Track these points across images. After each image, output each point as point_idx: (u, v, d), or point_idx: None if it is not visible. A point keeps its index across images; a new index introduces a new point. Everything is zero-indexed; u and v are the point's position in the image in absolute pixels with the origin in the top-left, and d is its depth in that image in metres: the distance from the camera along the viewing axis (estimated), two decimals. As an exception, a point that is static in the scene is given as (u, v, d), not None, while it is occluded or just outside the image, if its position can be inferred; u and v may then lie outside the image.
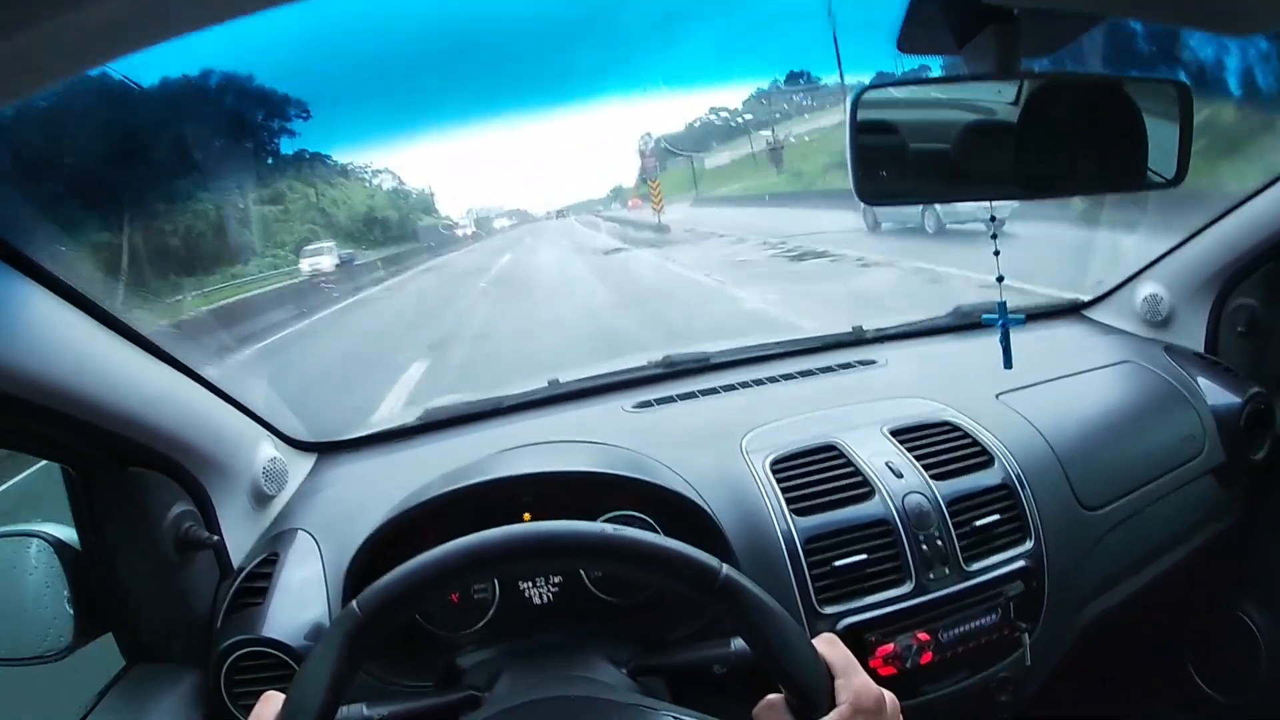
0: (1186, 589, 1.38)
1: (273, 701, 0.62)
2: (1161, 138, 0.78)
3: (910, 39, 0.71)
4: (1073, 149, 0.77)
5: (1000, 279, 0.83)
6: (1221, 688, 1.45)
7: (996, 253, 0.79)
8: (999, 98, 0.74)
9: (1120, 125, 0.76)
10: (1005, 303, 0.85)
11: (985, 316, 0.88)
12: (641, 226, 15.74)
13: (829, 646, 0.64)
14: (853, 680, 0.61)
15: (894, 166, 0.70)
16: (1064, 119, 0.75)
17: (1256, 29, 0.55)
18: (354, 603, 0.61)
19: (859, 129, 0.67)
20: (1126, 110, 0.76)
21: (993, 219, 0.78)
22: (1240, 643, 1.41)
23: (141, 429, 0.87)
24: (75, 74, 0.38)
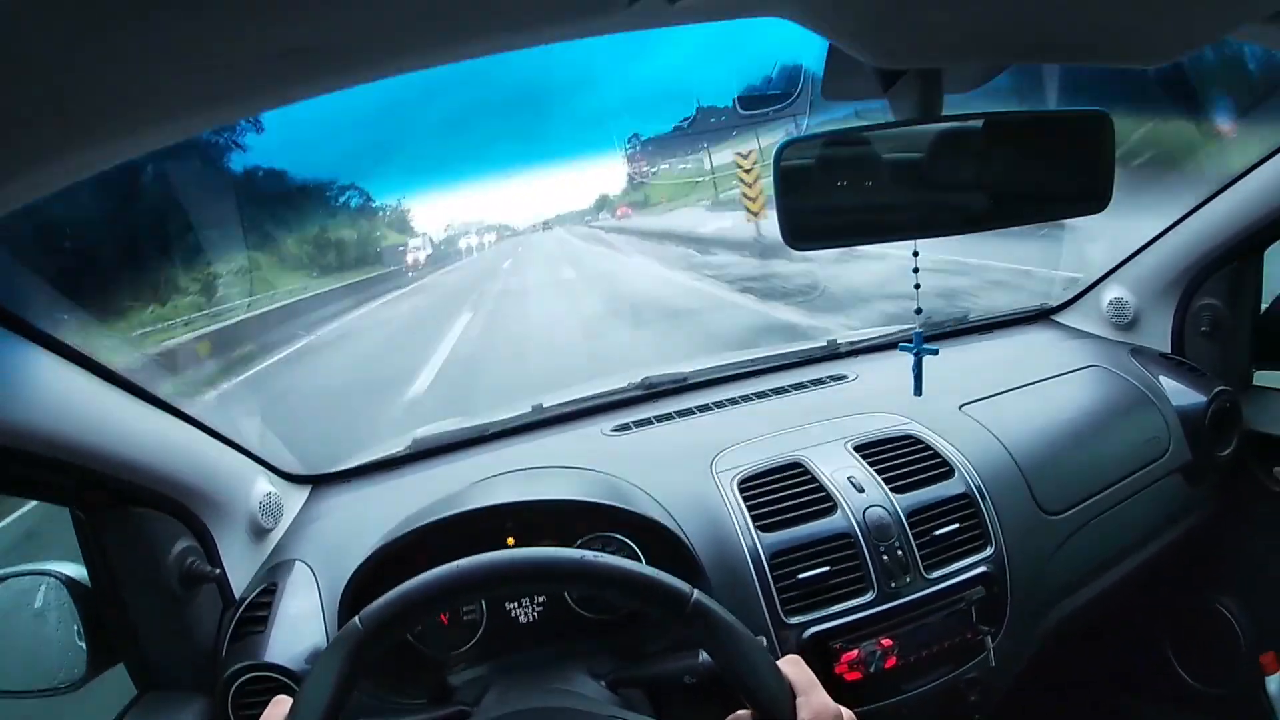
0: (1163, 584, 1.41)
1: (281, 705, 0.68)
2: (1084, 166, 0.81)
3: (833, 88, 0.75)
4: (998, 182, 0.79)
5: (919, 310, 0.88)
6: (1204, 679, 1.47)
7: (917, 286, 0.84)
8: (921, 137, 0.78)
9: (1044, 157, 0.79)
10: (921, 333, 0.90)
11: (901, 346, 0.93)
12: (708, 243, 10.66)
13: (792, 666, 0.69)
14: (812, 698, 0.66)
15: (821, 214, 0.74)
16: (984, 154, 0.78)
17: (1166, 58, 0.58)
18: (356, 618, 0.67)
19: (784, 180, 0.71)
20: (1049, 142, 0.79)
21: (915, 254, 0.82)
22: (1220, 634, 1.44)
23: (142, 474, 0.92)
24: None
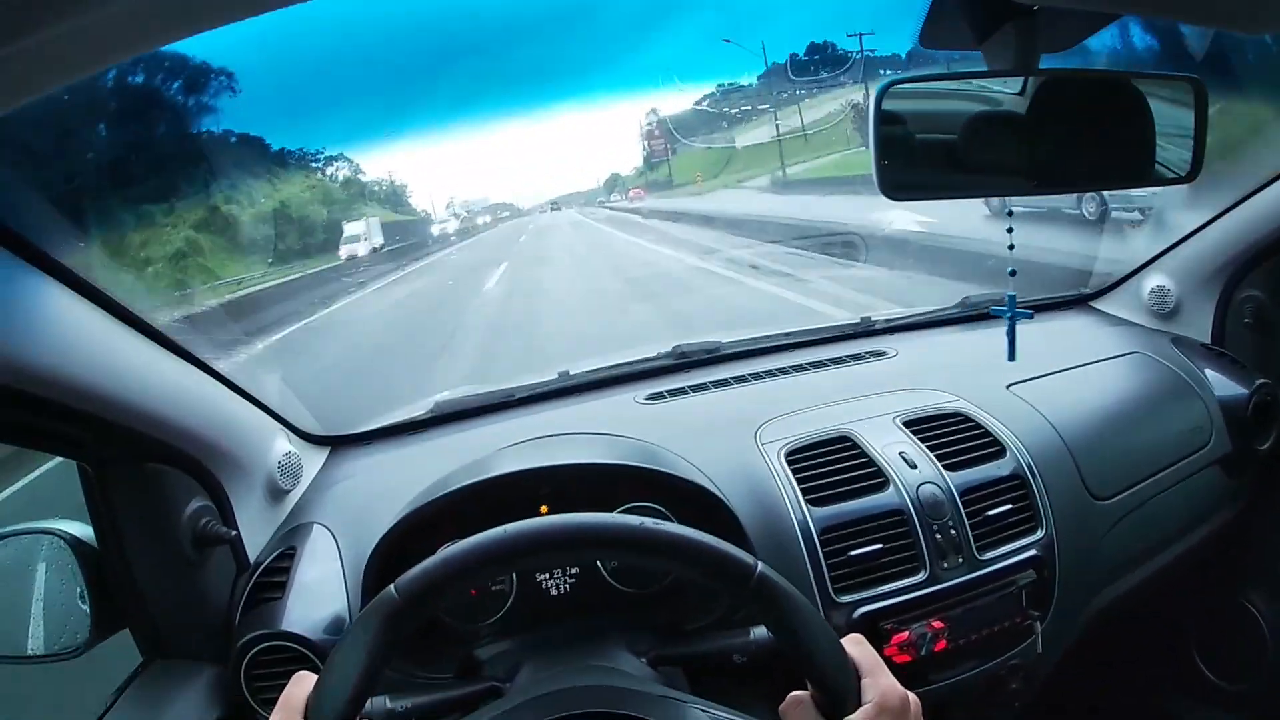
0: (1192, 577, 1.39)
1: (304, 682, 0.62)
2: (1175, 133, 0.79)
3: (932, 35, 0.72)
4: (1085, 143, 0.77)
5: (1013, 272, 0.84)
6: (1227, 675, 1.46)
7: (1011, 246, 0.80)
8: (1009, 91, 0.75)
9: (1132, 120, 0.77)
10: (1015, 296, 0.87)
11: (994, 309, 0.89)
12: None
13: (856, 646, 0.65)
14: (879, 680, 0.62)
15: (920, 164, 0.71)
16: (1076, 113, 0.76)
17: (1271, 28, 0.55)
18: (392, 587, 0.61)
19: (882, 122, 0.68)
20: (1138, 106, 0.77)
21: (1010, 213, 0.79)
22: (1245, 630, 1.42)
23: (159, 426, 0.87)
24: (77, 78, 0.39)
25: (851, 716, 0.60)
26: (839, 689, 0.61)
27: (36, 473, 4.27)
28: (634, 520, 0.64)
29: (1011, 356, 0.87)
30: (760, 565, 0.63)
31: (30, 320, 0.68)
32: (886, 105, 0.68)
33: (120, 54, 0.39)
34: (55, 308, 0.71)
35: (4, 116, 0.39)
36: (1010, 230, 0.78)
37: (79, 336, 0.74)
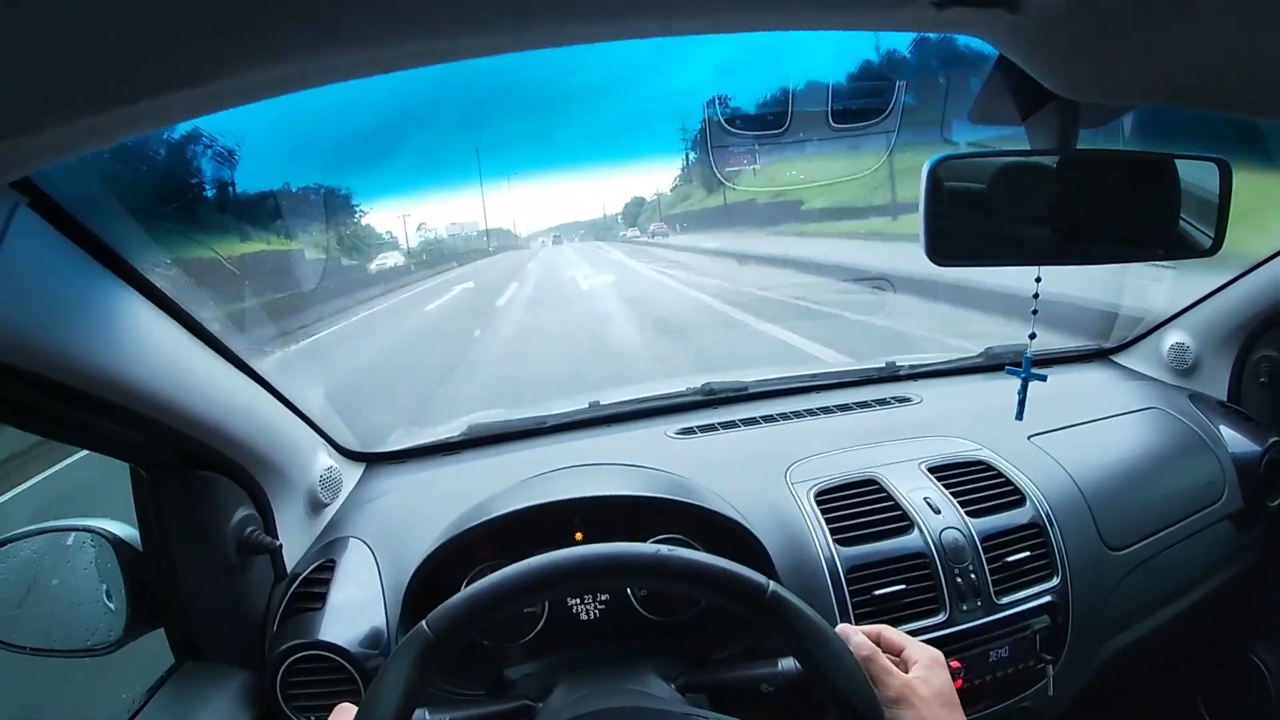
0: (1201, 629, 1.41)
1: (345, 714, 0.65)
2: (1203, 211, 0.83)
3: (982, 113, 0.77)
4: (1111, 212, 0.81)
5: (1032, 335, 0.88)
6: None
7: (1035, 311, 0.84)
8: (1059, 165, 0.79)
9: (1158, 194, 0.81)
10: (1031, 357, 0.91)
11: (1009, 369, 0.93)
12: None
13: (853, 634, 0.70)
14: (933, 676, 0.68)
15: (966, 233, 0.75)
16: (1104, 184, 0.80)
17: None
18: (424, 623, 0.65)
19: (934, 194, 0.72)
20: (1166, 180, 0.81)
21: (1038, 279, 0.83)
22: (1251, 684, 1.44)
23: (217, 434, 0.89)
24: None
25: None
26: (858, 703, 0.64)
27: (50, 470, 4.29)
28: (650, 548, 0.68)
29: (1019, 416, 0.91)
30: (772, 584, 0.66)
31: (102, 324, 0.70)
32: (938, 178, 0.73)
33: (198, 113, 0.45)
34: (128, 313, 0.73)
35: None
36: (1036, 296, 0.82)
37: (148, 343, 0.76)
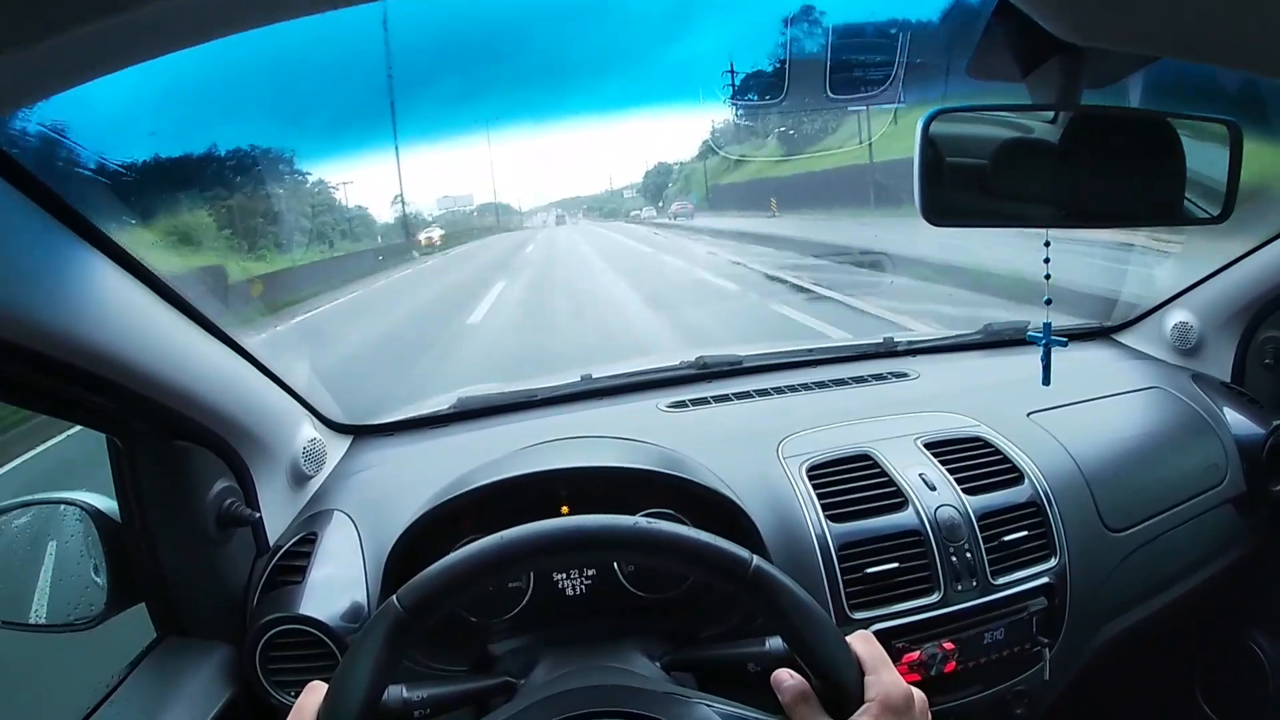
0: (1200, 614, 1.40)
1: (316, 692, 0.63)
2: (1209, 173, 0.80)
3: (980, 65, 0.74)
4: (1115, 178, 0.78)
5: (1048, 301, 0.86)
6: (1228, 714, 1.46)
7: (1048, 276, 0.82)
8: (1042, 120, 0.76)
9: (1164, 158, 0.78)
10: (1050, 324, 0.88)
11: (1030, 334, 0.90)
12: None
13: (863, 643, 0.65)
14: (883, 676, 0.62)
15: (964, 191, 0.73)
16: (1109, 148, 0.77)
17: None
18: (394, 598, 0.62)
19: (930, 150, 0.69)
20: (1171, 144, 0.78)
21: (1047, 244, 0.80)
22: (1249, 671, 1.42)
23: (195, 404, 0.87)
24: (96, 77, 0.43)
25: (855, 714, 0.60)
26: (842, 683, 0.62)
27: (46, 445, 4.29)
28: (629, 520, 0.65)
29: (1046, 381, 0.88)
30: (755, 559, 0.63)
31: (72, 290, 0.68)
32: (933, 131, 0.70)
33: (149, 54, 0.42)
34: (98, 280, 0.71)
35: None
36: (1047, 260, 0.79)
37: (120, 310, 0.74)
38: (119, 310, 0.74)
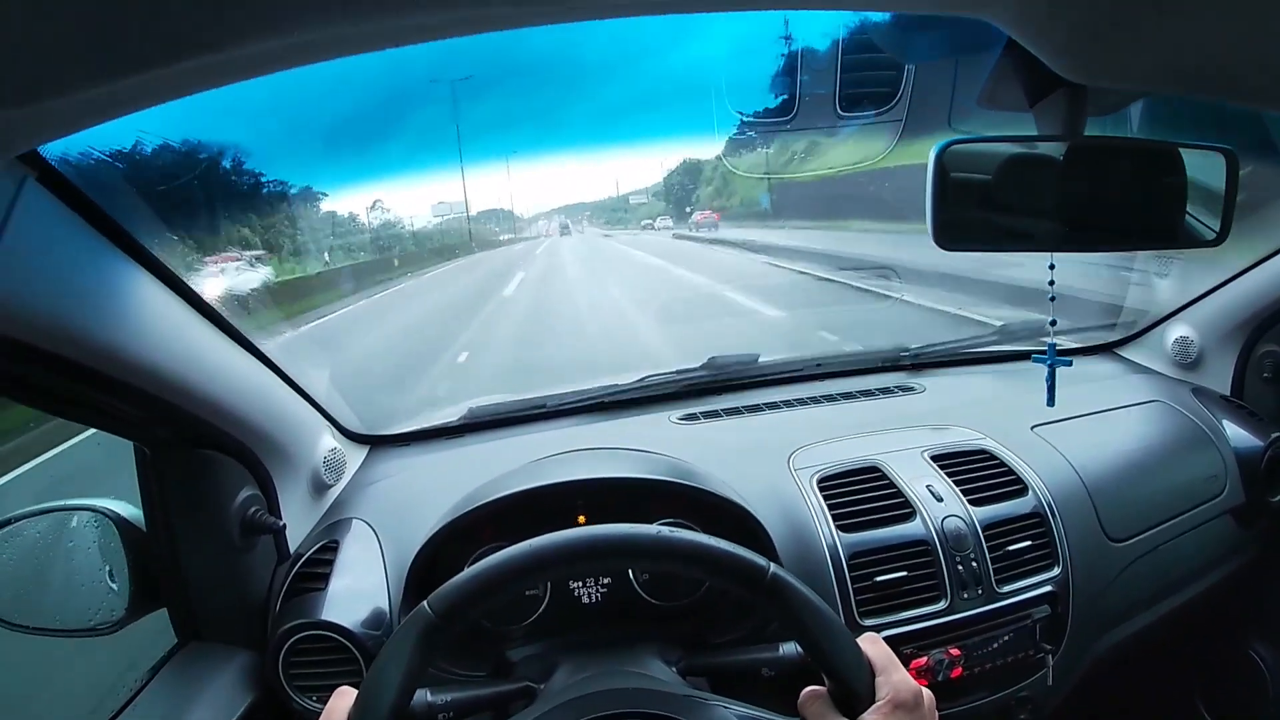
0: (1201, 623, 1.42)
1: (345, 696, 0.64)
2: (1204, 197, 0.82)
3: (990, 95, 0.76)
4: (1117, 200, 0.81)
5: (1053, 323, 0.88)
6: None
7: (1053, 298, 0.84)
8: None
9: (1164, 183, 0.81)
10: (1055, 344, 0.91)
11: (1035, 356, 0.93)
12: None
13: (871, 645, 0.68)
14: (893, 676, 0.64)
15: (974, 218, 0.75)
16: (1111, 171, 0.80)
17: None
18: (425, 603, 0.64)
19: (941, 179, 0.72)
20: (1172, 169, 0.81)
21: (1051, 266, 0.83)
22: (1249, 680, 1.44)
23: (223, 414, 0.89)
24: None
25: (866, 712, 0.62)
26: (855, 684, 0.64)
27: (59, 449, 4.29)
28: (652, 529, 0.68)
29: (1050, 402, 0.91)
30: (772, 566, 0.65)
31: (108, 300, 0.70)
32: (945, 163, 0.72)
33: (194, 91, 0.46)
34: (138, 292, 0.73)
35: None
36: (1052, 283, 0.82)
37: (157, 321, 0.76)
38: (156, 321, 0.76)
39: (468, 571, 0.65)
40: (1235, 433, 1.36)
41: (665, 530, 0.68)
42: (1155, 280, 1.58)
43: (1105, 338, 1.65)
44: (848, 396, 1.40)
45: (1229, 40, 0.48)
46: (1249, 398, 1.45)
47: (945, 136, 0.74)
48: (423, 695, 0.83)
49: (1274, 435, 1.35)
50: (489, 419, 1.38)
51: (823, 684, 0.66)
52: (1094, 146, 0.77)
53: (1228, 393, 1.47)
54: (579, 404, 1.41)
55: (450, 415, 1.40)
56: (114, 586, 0.95)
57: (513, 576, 0.66)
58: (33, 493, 3.93)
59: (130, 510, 0.97)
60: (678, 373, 1.46)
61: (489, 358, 5.14)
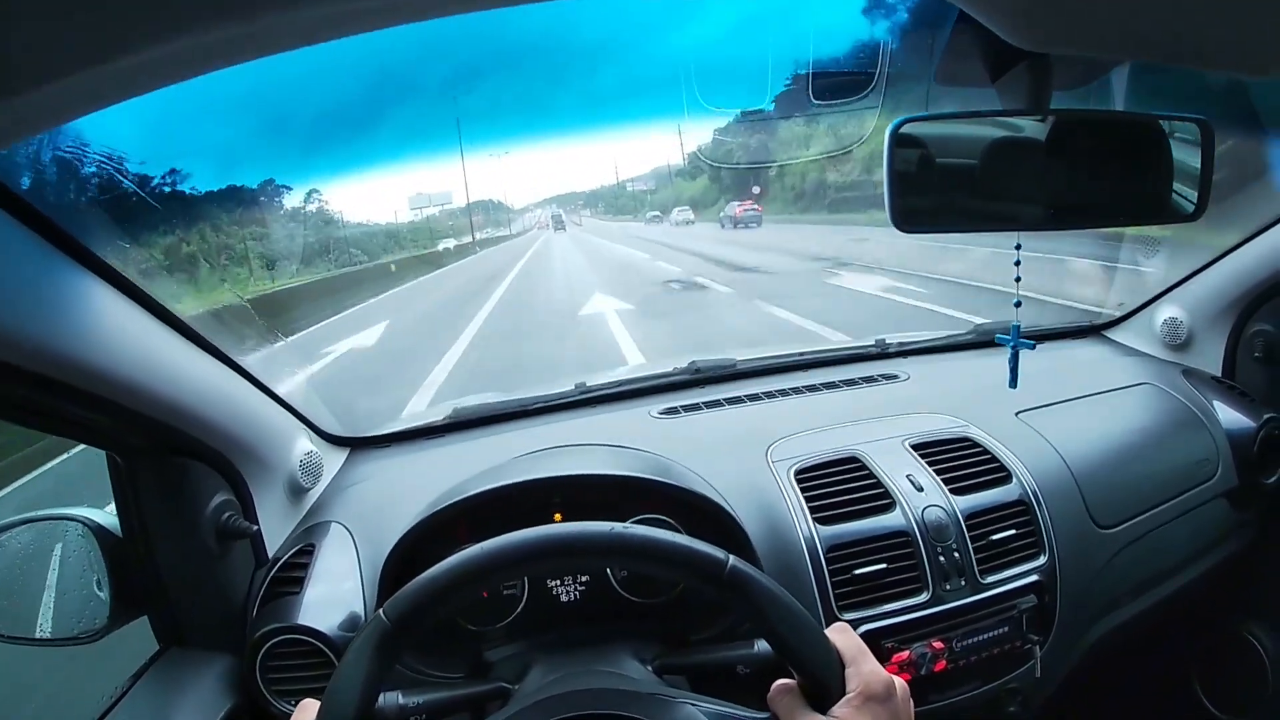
0: (1196, 608, 1.40)
1: (309, 710, 0.64)
2: (1184, 172, 0.80)
3: (947, 71, 0.75)
4: (1100, 177, 0.79)
5: (1018, 304, 0.87)
6: (1227, 707, 1.46)
7: (1018, 279, 0.83)
8: (1031, 128, 0.77)
9: (1144, 159, 0.79)
10: (1019, 326, 0.89)
11: (999, 337, 0.92)
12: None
13: (840, 635, 0.66)
14: (863, 667, 0.63)
15: (932, 198, 0.74)
16: (1093, 147, 0.78)
17: (1275, 72, 0.57)
18: (380, 611, 0.64)
19: (895, 159, 0.71)
20: (1151, 145, 0.79)
21: (1018, 246, 0.81)
22: (1247, 663, 1.43)
23: (191, 420, 0.89)
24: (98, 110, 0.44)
25: (837, 705, 0.61)
26: (824, 676, 0.62)
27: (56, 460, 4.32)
28: (606, 526, 0.66)
29: (1013, 384, 0.89)
30: (732, 559, 0.64)
31: (69, 312, 0.69)
32: (901, 137, 0.71)
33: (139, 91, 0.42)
34: (94, 301, 0.73)
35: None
36: (1018, 264, 0.80)
37: (115, 329, 0.76)
38: (115, 331, 0.76)
39: (421, 577, 0.64)
40: (1227, 414, 1.34)
41: (620, 527, 0.66)
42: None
43: (1092, 321, 1.63)
44: (830, 386, 1.39)
45: (1183, 1, 0.47)
46: (1241, 378, 1.43)
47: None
48: (394, 697, 0.82)
49: (1267, 416, 1.32)
50: (472, 418, 1.37)
51: (794, 678, 0.65)
52: (1064, 119, 0.75)
53: (1219, 374, 1.45)
54: (561, 401, 1.40)
55: (433, 415, 1.40)
56: (101, 594, 0.95)
57: (466, 579, 0.65)
58: (23, 501, 3.96)
59: (108, 519, 0.96)
60: (656, 375, 1.46)
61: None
